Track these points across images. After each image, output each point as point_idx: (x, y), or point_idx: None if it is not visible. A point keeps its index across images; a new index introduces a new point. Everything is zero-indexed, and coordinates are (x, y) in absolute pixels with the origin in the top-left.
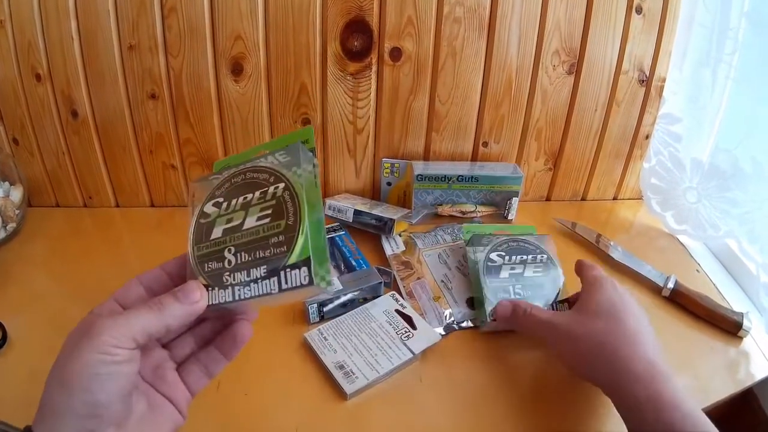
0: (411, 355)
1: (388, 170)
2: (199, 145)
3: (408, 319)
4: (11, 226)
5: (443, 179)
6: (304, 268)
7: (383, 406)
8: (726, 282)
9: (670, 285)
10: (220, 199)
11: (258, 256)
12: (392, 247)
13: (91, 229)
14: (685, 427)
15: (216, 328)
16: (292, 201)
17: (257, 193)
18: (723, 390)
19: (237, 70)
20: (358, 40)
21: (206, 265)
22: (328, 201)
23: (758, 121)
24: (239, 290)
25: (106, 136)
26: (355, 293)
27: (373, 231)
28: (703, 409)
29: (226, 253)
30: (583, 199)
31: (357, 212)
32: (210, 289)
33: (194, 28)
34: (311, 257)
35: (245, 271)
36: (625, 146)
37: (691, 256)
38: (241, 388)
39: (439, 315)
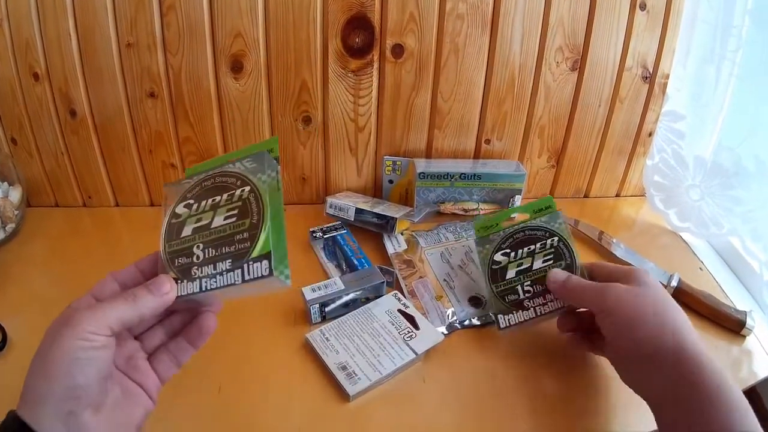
0: (414, 356)
1: (390, 168)
2: (198, 144)
3: (410, 319)
4: (10, 226)
5: (446, 177)
6: (265, 261)
7: (386, 407)
8: (729, 280)
9: (673, 283)
10: (191, 201)
11: (224, 251)
12: (394, 245)
13: (90, 228)
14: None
15: (184, 320)
16: (257, 202)
17: (225, 195)
18: None
19: (237, 67)
20: (360, 37)
21: (176, 260)
22: (330, 199)
23: (762, 119)
24: (206, 282)
25: (105, 135)
26: (358, 293)
27: (374, 229)
28: None
29: (195, 249)
30: (586, 196)
31: (359, 211)
32: (179, 281)
33: (193, 26)
34: (272, 252)
35: (212, 265)
36: (628, 143)
37: (695, 254)
38: (242, 389)
39: (441, 314)
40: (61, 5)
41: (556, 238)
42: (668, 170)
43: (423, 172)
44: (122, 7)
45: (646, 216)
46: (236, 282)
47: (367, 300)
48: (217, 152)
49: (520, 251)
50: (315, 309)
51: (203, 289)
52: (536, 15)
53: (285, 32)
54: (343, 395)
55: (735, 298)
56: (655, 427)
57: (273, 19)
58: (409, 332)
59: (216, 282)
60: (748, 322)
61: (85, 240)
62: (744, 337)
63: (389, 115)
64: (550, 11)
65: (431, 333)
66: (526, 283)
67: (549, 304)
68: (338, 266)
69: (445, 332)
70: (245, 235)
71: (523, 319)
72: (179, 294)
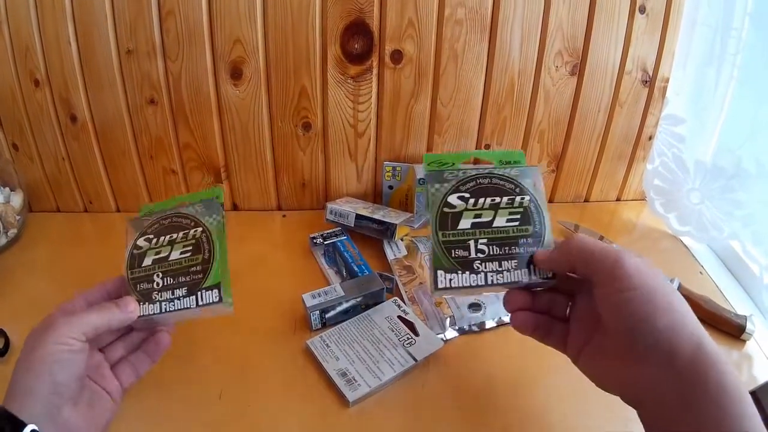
0: (413, 362)
1: (390, 174)
2: (199, 150)
3: (410, 326)
4: (12, 231)
5: None
6: (215, 290)
7: (386, 414)
8: (729, 284)
9: (674, 287)
10: (151, 236)
11: (180, 281)
12: (394, 251)
13: (92, 233)
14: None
15: (142, 337)
16: (208, 241)
17: (180, 234)
18: None
19: (236, 74)
20: (359, 43)
21: (138, 285)
22: (330, 205)
23: (762, 122)
24: (165, 304)
25: (106, 141)
26: (358, 300)
27: (375, 236)
28: None
29: (155, 277)
30: (586, 200)
31: (359, 217)
32: (141, 303)
33: (192, 32)
34: (221, 282)
35: (170, 291)
36: (628, 148)
37: (695, 258)
38: (242, 396)
39: (441, 320)
40: (60, 11)
41: (527, 197)
42: (668, 174)
43: (423, 178)
44: (121, 13)
45: (647, 220)
46: (191, 306)
47: (367, 307)
48: (218, 158)
49: (481, 200)
50: (315, 315)
51: (163, 310)
52: (535, 19)
53: (284, 38)
54: (343, 401)
55: (735, 302)
56: None
57: (272, 24)
58: (408, 339)
59: (174, 305)
60: (748, 326)
61: (86, 245)
62: (744, 342)
63: (389, 121)
64: (549, 15)
65: (431, 339)
66: (480, 240)
67: (505, 273)
68: (338, 272)
69: (445, 338)
70: (199, 267)
71: (468, 284)
72: (141, 314)
